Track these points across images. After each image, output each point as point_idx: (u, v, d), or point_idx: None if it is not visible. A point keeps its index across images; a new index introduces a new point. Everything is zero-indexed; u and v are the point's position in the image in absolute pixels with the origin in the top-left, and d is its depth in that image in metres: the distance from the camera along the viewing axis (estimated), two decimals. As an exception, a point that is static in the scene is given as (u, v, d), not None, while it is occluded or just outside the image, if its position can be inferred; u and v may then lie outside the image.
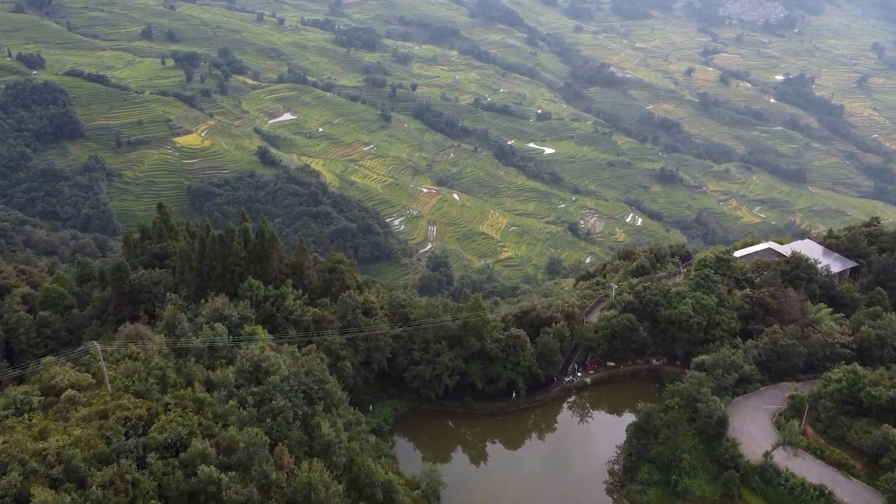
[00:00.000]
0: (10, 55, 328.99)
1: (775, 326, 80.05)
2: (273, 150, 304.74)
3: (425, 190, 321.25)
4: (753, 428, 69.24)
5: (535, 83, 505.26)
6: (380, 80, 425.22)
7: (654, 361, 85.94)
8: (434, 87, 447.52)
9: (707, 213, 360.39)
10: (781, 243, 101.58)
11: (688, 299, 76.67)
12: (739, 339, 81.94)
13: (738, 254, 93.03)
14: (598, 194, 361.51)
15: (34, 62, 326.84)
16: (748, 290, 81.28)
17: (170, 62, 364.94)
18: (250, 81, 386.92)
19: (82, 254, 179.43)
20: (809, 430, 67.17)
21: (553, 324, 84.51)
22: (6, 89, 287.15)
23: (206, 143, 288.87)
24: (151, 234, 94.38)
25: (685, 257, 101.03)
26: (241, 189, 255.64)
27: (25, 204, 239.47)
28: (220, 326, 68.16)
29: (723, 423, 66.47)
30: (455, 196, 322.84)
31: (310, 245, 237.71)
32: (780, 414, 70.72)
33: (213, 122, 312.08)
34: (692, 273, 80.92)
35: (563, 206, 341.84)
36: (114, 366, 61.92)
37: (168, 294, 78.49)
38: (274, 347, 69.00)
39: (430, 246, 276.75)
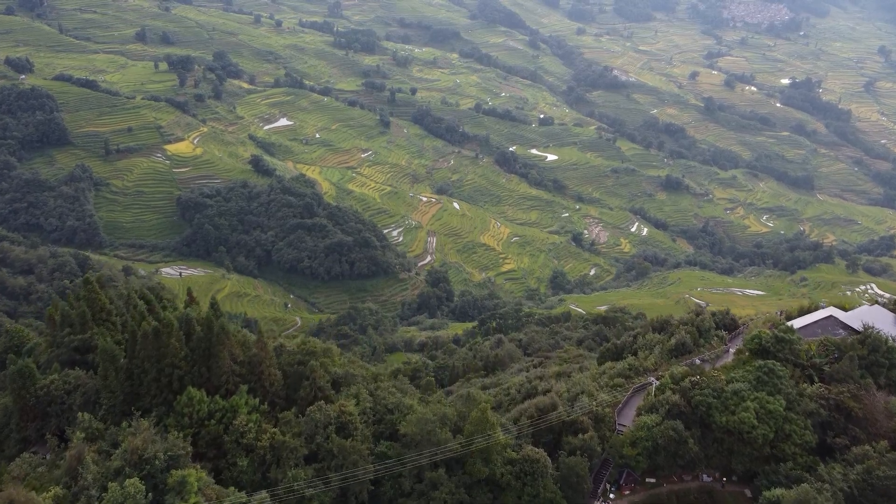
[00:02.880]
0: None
1: (866, 447, 64.12)
2: (267, 158, 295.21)
3: (425, 199, 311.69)
4: None
5: (537, 87, 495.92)
6: (379, 84, 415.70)
7: (706, 478, 69.40)
8: (434, 92, 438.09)
9: (714, 221, 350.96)
10: (844, 308, 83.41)
11: (749, 402, 60.01)
12: (818, 458, 65.11)
13: (794, 323, 76.00)
14: (603, 202, 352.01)
15: (22, 66, 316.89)
16: (821, 388, 65.55)
17: (163, 66, 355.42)
18: (246, 86, 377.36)
19: (61, 273, 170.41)
20: None
21: (579, 433, 66.85)
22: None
23: (198, 150, 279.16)
24: (73, 318, 71.89)
25: (730, 327, 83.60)
26: (233, 200, 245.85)
27: (8, 216, 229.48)
28: (132, 485, 50.94)
29: None
30: (455, 205, 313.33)
31: (304, 260, 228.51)
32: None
33: (205, 129, 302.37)
34: (745, 355, 66.47)
35: (567, 214, 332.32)
36: None
37: (80, 415, 60.63)
38: (214, 497, 54.19)
39: (429, 258, 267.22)
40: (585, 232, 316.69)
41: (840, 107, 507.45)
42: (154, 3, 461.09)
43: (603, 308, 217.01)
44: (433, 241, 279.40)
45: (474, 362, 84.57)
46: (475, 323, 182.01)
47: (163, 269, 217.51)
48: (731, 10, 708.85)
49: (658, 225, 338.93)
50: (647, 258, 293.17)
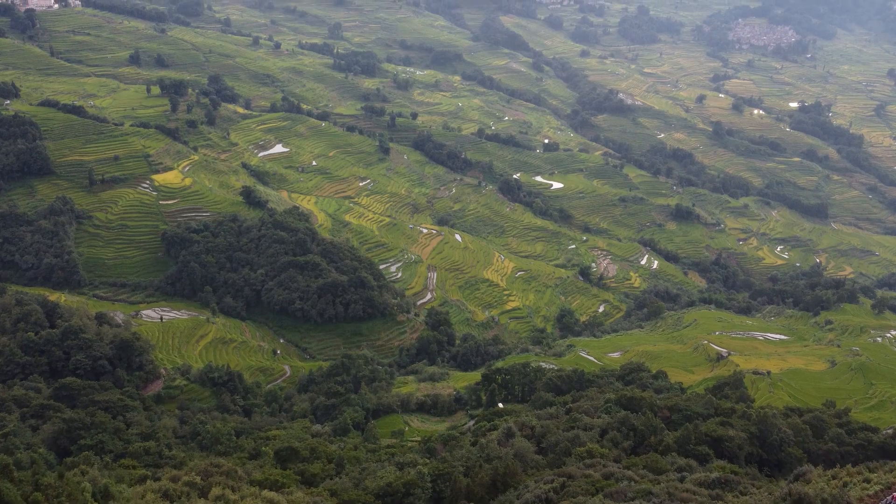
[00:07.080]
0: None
1: None
2: (260, 188, 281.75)
3: (425, 230, 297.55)
4: None
5: (541, 110, 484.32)
6: (379, 109, 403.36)
7: None
8: (436, 116, 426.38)
9: (727, 253, 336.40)
10: None
11: None
12: None
13: None
14: (611, 233, 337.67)
15: (8, 91, 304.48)
16: None
17: (155, 90, 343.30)
18: (241, 110, 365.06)
19: (26, 324, 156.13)
20: None
21: None
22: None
23: (187, 181, 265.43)
24: None
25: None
26: (221, 235, 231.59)
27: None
28: None
29: None
30: (457, 237, 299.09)
31: (295, 301, 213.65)
32: None
33: (196, 157, 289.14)
34: None
35: (573, 246, 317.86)
36: None
37: None
38: None
39: (429, 296, 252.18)
40: (593, 265, 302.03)
41: (851, 131, 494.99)
42: (150, 25, 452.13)
43: (616, 355, 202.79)
44: (433, 276, 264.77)
45: (481, 473, 70.29)
46: (479, 377, 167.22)
47: (143, 312, 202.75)
48: (737, 33, 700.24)
49: (668, 257, 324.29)
50: (659, 294, 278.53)
